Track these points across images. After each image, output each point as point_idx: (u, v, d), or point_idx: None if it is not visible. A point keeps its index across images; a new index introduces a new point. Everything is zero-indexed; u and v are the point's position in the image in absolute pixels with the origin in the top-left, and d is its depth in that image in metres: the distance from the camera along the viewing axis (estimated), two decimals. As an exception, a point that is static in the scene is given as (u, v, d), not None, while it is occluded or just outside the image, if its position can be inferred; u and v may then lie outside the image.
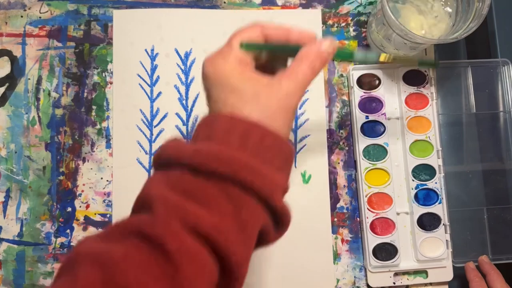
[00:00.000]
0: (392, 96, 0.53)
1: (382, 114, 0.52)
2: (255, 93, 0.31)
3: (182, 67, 0.53)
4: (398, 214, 0.51)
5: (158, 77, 0.53)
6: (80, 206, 0.51)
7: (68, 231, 0.50)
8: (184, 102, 0.53)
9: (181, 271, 0.26)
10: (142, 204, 0.29)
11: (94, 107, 0.52)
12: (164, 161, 0.30)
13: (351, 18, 0.55)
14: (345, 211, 0.52)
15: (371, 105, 0.53)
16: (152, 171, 0.34)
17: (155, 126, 0.52)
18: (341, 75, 0.54)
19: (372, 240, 0.50)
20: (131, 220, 0.29)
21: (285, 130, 0.32)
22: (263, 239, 0.31)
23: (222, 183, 0.28)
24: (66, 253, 0.28)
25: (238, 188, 0.28)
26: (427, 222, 0.51)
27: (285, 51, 0.35)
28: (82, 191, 0.51)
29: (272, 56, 0.36)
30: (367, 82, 0.53)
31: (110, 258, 0.26)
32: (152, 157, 0.34)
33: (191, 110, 0.53)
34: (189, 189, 0.28)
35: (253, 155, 0.29)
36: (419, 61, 0.41)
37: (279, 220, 0.30)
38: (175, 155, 0.29)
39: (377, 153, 0.52)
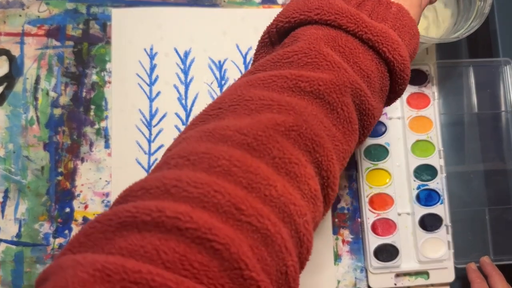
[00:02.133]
0: (393, 96, 0.53)
1: (383, 114, 0.52)
2: None
3: (182, 67, 0.53)
4: (399, 214, 0.51)
5: (157, 76, 0.52)
6: (78, 207, 0.51)
7: (66, 231, 0.50)
8: (183, 101, 0.52)
9: None
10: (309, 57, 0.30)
11: (92, 106, 0.52)
12: (319, 19, 0.31)
13: (352, 17, 0.55)
14: (346, 211, 0.52)
15: (372, 104, 0.52)
16: (275, 25, 0.33)
17: (154, 126, 0.52)
18: None
19: (373, 241, 0.50)
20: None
21: (417, 18, 0.34)
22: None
23: (377, 57, 0.31)
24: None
25: (383, 62, 0.31)
26: (429, 223, 0.51)
27: None
28: (81, 191, 0.51)
29: None
30: (368, 82, 0.53)
31: None
32: (285, 10, 0.33)
33: (191, 109, 0.52)
34: (347, 53, 0.30)
35: (391, 26, 0.31)
36: None
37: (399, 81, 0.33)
38: (334, 15, 0.30)
39: (378, 153, 0.51)
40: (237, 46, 0.53)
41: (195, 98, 0.52)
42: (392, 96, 0.35)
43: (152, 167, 0.29)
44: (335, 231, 0.52)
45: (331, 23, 0.30)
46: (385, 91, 0.33)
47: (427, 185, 0.51)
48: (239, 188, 0.24)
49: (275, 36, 0.33)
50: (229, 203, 0.23)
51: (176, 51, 0.53)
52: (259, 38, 0.35)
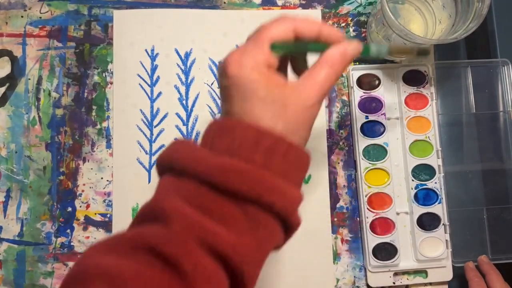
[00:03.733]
0: (392, 96, 0.53)
1: (382, 114, 0.52)
2: (283, 104, 0.29)
3: (182, 67, 0.53)
4: (398, 214, 0.51)
5: (158, 77, 0.53)
6: (80, 206, 0.51)
7: (68, 231, 0.51)
8: (184, 102, 0.53)
9: None
10: (154, 214, 0.28)
11: (94, 107, 0.52)
12: (176, 167, 0.29)
13: (351, 18, 0.55)
14: (345, 211, 0.52)
15: (371, 105, 0.53)
16: (156, 170, 0.32)
17: (155, 126, 0.52)
18: (341, 75, 0.54)
19: (372, 240, 0.50)
20: (142, 232, 0.27)
21: (306, 141, 0.31)
22: (273, 248, 0.30)
23: (242, 202, 0.27)
24: (73, 266, 0.27)
25: (257, 208, 0.27)
26: (427, 222, 0.51)
27: (313, 50, 0.33)
28: (83, 191, 0.51)
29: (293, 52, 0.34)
30: (367, 82, 0.53)
31: (120, 276, 0.25)
32: (159, 156, 0.31)
33: (191, 110, 0.53)
34: (206, 204, 0.27)
35: (276, 172, 0.28)
36: (417, 52, 0.39)
37: (290, 230, 0.30)
38: (192, 166, 0.28)
39: (377, 153, 0.52)
40: (237, 47, 0.54)
41: (196, 98, 0.53)
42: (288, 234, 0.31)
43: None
44: (334, 230, 0.52)
45: (181, 172, 0.28)
46: (268, 230, 0.28)
47: (425, 184, 0.51)
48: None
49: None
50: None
51: (177, 52, 0.53)
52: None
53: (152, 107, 0.52)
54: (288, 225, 0.29)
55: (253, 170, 0.27)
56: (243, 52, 0.30)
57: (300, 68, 0.35)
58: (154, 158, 0.52)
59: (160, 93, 0.53)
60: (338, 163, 0.53)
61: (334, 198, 0.52)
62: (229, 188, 0.27)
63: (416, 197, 0.51)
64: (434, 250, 0.51)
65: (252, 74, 0.29)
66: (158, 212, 0.27)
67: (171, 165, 0.29)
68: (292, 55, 0.34)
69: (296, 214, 0.29)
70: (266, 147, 0.28)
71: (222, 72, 0.31)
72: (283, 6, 0.55)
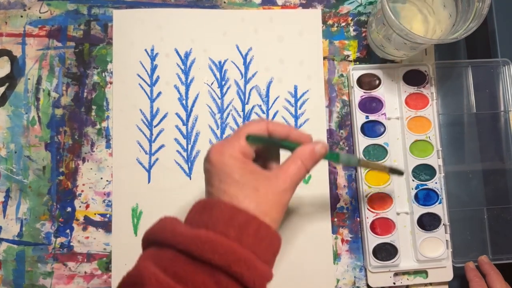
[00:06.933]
0: (392, 96, 0.53)
1: (382, 114, 0.52)
2: (255, 187, 0.34)
3: (182, 67, 0.53)
4: (398, 214, 0.51)
5: (158, 77, 0.53)
6: (80, 206, 0.51)
7: (68, 231, 0.50)
8: (184, 102, 0.53)
9: None
10: (133, 281, 0.31)
11: (94, 107, 0.52)
12: (158, 240, 0.33)
13: (351, 18, 0.55)
14: (345, 211, 0.52)
15: (371, 105, 0.52)
16: (141, 245, 0.35)
17: (155, 126, 0.52)
18: (341, 75, 0.54)
19: (372, 240, 0.50)
20: None
21: (277, 223, 0.35)
22: None
23: (213, 271, 0.30)
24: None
25: (228, 278, 0.30)
26: (427, 222, 0.51)
27: (284, 146, 0.38)
28: (82, 191, 0.51)
29: (268, 148, 0.39)
30: (367, 82, 0.53)
31: None
32: (146, 232, 0.35)
33: (191, 110, 0.53)
34: (180, 273, 0.30)
35: (247, 246, 0.32)
36: (389, 169, 0.46)
37: None
38: (171, 237, 0.32)
39: (377, 153, 0.52)
40: (237, 47, 0.54)
41: (196, 98, 0.53)
42: None
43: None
44: (335, 231, 0.52)
45: (162, 243, 0.32)
46: None
47: (425, 184, 0.51)
48: None
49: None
50: None
51: (177, 52, 0.53)
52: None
53: (152, 107, 0.52)
54: None
55: (226, 242, 0.31)
56: (225, 142, 0.36)
57: (273, 160, 0.40)
58: (154, 158, 0.52)
59: (160, 93, 0.53)
60: (338, 163, 0.53)
61: (334, 198, 0.52)
62: (202, 257, 0.30)
63: (416, 197, 0.51)
64: (435, 250, 0.51)
65: (229, 160, 0.35)
66: (137, 279, 0.31)
67: (155, 239, 0.33)
68: (267, 150, 0.39)
69: None
70: (239, 223, 0.32)
71: (206, 158, 0.36)
72: (283, 6, 0.55)
